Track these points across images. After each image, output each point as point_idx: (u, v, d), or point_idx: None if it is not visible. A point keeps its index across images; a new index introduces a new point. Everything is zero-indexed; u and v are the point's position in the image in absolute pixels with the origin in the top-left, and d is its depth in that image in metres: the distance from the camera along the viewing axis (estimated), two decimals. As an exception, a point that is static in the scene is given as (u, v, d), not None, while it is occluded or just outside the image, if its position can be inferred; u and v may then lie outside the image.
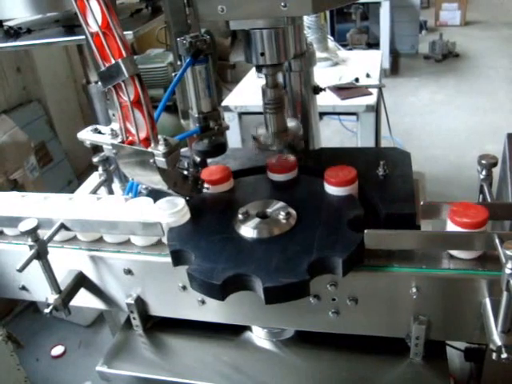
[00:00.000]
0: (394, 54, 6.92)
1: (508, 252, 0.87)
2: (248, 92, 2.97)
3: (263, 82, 1.29)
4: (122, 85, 1.01)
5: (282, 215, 1.16)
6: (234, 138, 2.84)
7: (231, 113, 2.84)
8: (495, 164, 1.20)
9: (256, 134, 1.35)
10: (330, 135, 4.60)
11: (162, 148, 1.02)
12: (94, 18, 0.97)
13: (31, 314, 3.00)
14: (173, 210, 1.18)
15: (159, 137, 1.04)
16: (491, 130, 4.59)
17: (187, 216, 1.21)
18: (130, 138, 1.09)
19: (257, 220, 1.16)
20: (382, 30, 6.04)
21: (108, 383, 1.31)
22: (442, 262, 1.07)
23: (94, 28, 0.99)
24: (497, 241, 0.97)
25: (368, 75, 3.03)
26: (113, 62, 0.99)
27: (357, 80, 2.94)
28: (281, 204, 1.21)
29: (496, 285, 0.99)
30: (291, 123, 1.38)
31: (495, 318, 0.97)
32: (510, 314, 0.94)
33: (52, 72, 4.06)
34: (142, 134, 1.06)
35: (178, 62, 1.21)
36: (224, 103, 2.84)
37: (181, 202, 1.20)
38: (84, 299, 1.30)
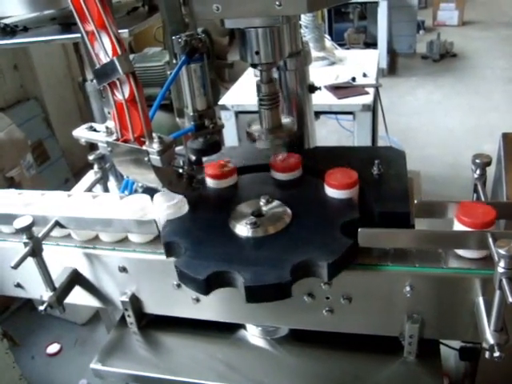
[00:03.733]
0: (392, 54, 6.92)
1: (501, 251, 0.88)
2: (245, 91, 2.96)
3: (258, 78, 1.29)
4: (117, 82, 1.01)
5: (276, 214, 1.16)
6: (230, 137, 2.84)
7: (228, 111, 2.84)
8: (489, 163, 1.21)
9: (250, 130, 1.35)
10: (327, 135, 4.59)
11: (156, 146, 1.02)
12: (89, 16, 0.97)
13: (27, 311, 3.00)
14: (170, 203, 1.19)
15: (154, 135, 1.04)
16: (488, 129, 4.59)
17: (185, 208, 1.21)
18: (125, 136, 1.09)
19: (250, 218, 1.16)
20: (380, 29, 6.03)
21: (102, 381, 1.31)
22: (435, 260, 1.07)
23: (90, 27, 0.99)
24: (490, 239, 0.97)
25: (365, 75, 3.03)
26: (108, 59, 0.99)
27: (353, 79, 2.94)
28: (277, 203, 1.21)
29: (489, 284, 0.99)
30: (286, 120, 1.38)
31: (488, 317, 0.98)
32: (502, 313, 0.94)
33: (50, 70, 4.06)
34: (137, 132, 1.06)
35: (174, 61, 1.21)
36: (221, 102, 2.84)
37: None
38: (79, 297, 1.30)
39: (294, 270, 1.00)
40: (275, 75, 1.34)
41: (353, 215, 1.15)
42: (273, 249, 1.08)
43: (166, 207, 1.19)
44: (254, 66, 1.24)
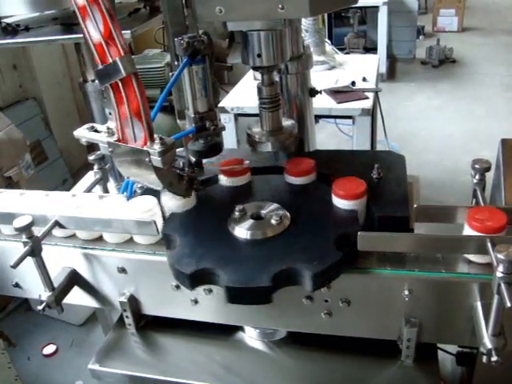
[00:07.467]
0: (391, 59, 6.94)
1: (500, 255, 0.88)
2: (245, 94, 2.97)
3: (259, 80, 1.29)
4: (119, 83, 1.01)
5: (274, 219, 1.15)
6: (229, 140, 2.84)
7: (227, 114, 2.85)
8: (488, 169, 1.21)
9: (250, 132, 1.35)
10: (325, 139, 4.60)
11: (157, 147, 1.02)
12: (96, 26, 0.97)
13: (23, 312, 2.99)
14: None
15: (155, 136, 1.04)
16: (486, 136, 4.61)
17: (192, 202, 1.24)
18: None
19: (248, 220, 1.16)
20: (380, 34, 6.06)
21: (99, 381, 1.31)
22: (434, 264, 1.08)
23: (96, 36, 0.98)
24: (489, 244, 0.98)
25: (364, 79, 3.04)
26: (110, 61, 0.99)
27: (353, 84, 2.95)
28: (276, 207, 1.21)
29: (487, 288, 1.00)
30: (286, 122, 1.38)
31: (486, 322, 0.98)
32: (500, 318, 0.95)
33: (48, 70, 4.06)
34: (138, 133, 1.06)
35: (176, 62, 1.21)
36: (220, 104, 2.84)
37: None
38: (77, 297, 1.30)
39: (276, 277, 1.00)
40: (276, 78, 1.34)
41: (351, 229, 1.10)
42: (262, 253, 1.08)
43: (171, 198, 1.21)
44: (255, 68, 1.25)
